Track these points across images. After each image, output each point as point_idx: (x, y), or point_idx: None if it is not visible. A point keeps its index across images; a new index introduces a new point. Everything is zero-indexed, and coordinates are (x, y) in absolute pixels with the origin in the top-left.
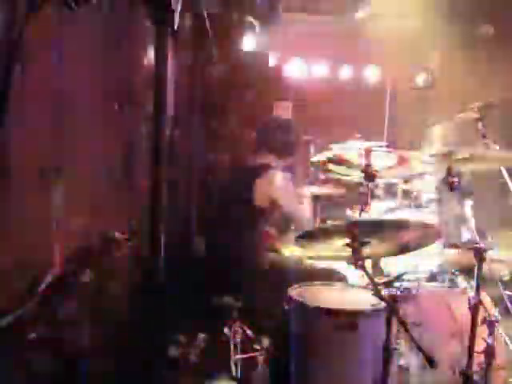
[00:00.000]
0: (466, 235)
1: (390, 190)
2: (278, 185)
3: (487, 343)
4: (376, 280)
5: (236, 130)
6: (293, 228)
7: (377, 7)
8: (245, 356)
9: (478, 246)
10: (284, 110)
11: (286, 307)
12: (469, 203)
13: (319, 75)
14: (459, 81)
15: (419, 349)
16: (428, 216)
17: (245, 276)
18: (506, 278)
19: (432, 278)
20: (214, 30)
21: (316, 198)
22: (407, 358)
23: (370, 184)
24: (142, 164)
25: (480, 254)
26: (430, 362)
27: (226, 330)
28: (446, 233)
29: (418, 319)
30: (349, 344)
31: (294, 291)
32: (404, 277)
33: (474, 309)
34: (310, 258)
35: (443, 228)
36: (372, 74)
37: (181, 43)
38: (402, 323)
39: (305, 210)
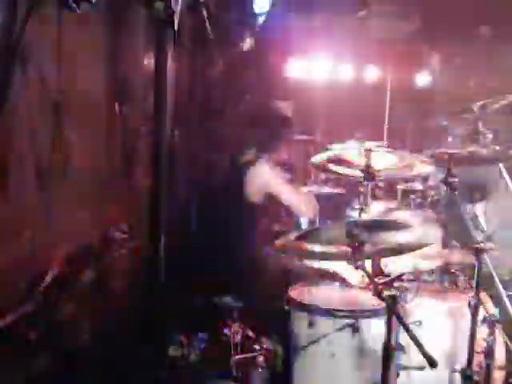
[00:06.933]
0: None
1: (390, 190)
2: (268, 177)
3: (487, 343)
4: (376, 280)
5: (236, 130)
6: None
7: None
8: (245, 356)
9: (478, 245)
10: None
11: (286, 307)
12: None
13: (319, 75)
14: (459, 81)
15: (419, 349)
16: (429, 216)
17: (245, 276)
18: (506, 278)
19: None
20: (214, 30)
21: (316, 198)
22: (407, 357)
23: (370, 184)
24: (142, 164)
25: (480, 254)
26: (430, 362)
27: (225, 330)
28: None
29: (417, 319)
30: (349, 344)
31: (294, 291)
32: (404, 277)
33: (474, 309)
34: (310, 257)
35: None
36: (372, 74)
37: (181, 43)
38: (402, 323)
39: (305, 199)
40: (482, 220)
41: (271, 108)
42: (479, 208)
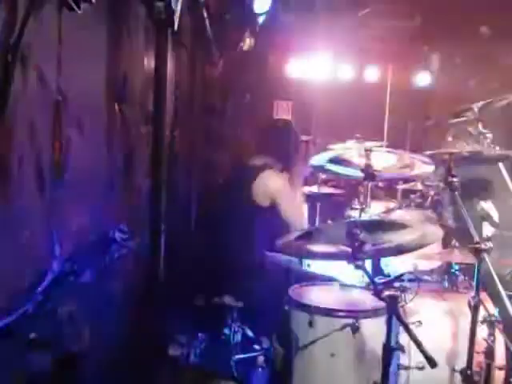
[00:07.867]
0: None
1: (390, 190)
2: (276, 185)
3: (487, 343)
4: (376, 280)
5: (236, 129)
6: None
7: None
8: (245, 356)
9: (478, 245)
10: (284, 110)
11: (286, 307)
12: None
13: (320, 75)
14: (459, 81)
15: (419, 348)
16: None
17: (245, 276)
18: (507, 278)
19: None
20: (214, 30)
21: (316, 198)
22: (407, 357)
23: (370, 184)
24: (142, 164)
25: (480, 254)
26: (430, 361)
27: (225, 330)
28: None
29: (417, 319)
30: (349, 344)
31: (294, 291)
32: (404, 277)
33: (474, 309)
34: (310, 257)
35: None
36: (372, 74)
37: (181, 43)
38: (402, 323)
39: (302, 212)
40: (495, 216)
41: (290, 123)
42: (488, 206)
